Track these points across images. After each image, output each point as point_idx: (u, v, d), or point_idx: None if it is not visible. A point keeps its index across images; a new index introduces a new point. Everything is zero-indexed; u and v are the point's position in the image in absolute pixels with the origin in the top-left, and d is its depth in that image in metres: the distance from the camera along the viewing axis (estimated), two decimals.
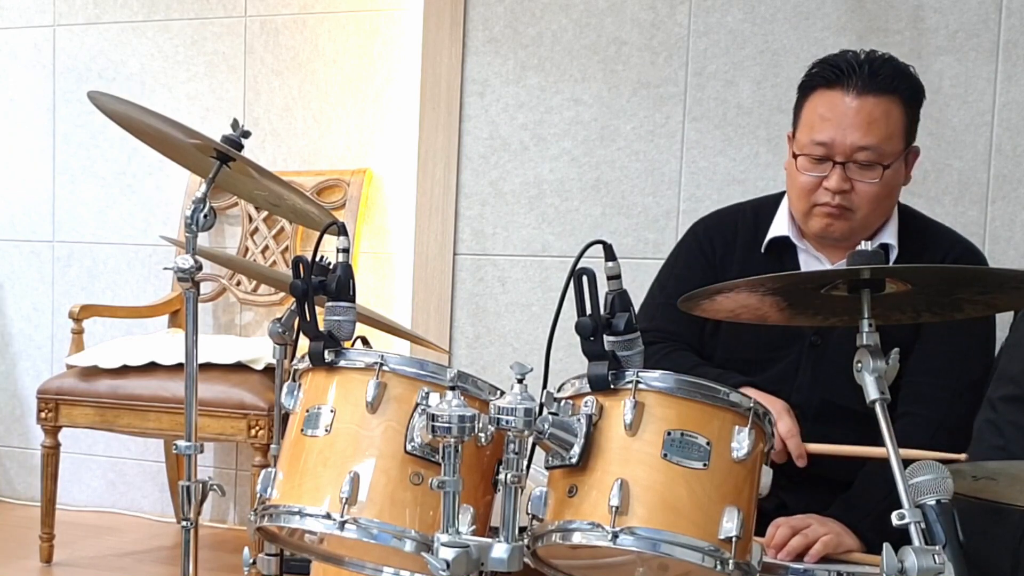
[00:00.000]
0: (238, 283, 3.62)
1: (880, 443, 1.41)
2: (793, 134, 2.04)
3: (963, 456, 1.76)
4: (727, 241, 2.15)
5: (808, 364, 2.03)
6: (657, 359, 2.06)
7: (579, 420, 1.45)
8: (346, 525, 1.48)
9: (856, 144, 1.92)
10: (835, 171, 1.93)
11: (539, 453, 1.51)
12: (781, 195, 2.16)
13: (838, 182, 1.93)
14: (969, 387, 1.99)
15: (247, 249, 3.64)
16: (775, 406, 1.88)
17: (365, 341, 1.75)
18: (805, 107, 2.00)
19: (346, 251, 1.67)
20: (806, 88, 2.02)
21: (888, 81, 1.94)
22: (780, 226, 2.09)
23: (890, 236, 2.03)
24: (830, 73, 1.96)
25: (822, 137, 1.94)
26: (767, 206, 2.16)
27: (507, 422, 1.35)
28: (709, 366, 2.06)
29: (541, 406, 1.41)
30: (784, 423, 1.87)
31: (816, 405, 1.97)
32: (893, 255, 2.02)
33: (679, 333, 2.12)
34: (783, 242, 2.09)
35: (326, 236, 1.72)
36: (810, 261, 2.06)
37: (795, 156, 1.98)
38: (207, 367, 3.05)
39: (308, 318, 1.63)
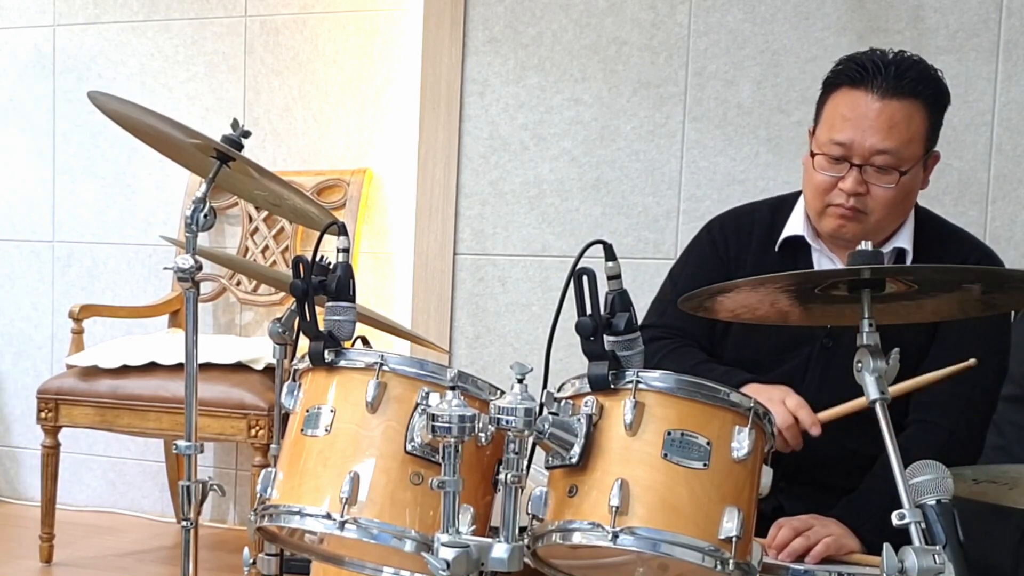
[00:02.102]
0: (238, 283, 3.62)
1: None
2: (813, 130, 2.01)
3: (971, 361, 1.75)
4: (742, 240, 2.13)
5: (817, 366, 2.02)
6: (662, 355, 2.05)
7: (579, 420, 1.45)
8: (346, 525, 1.48)
9: (875, 147, 1.89)
10: (851, 173, 1.91)
11: (539, 453, 1.51)
12: (799, 194, 2.15)
13: (854, 184, 1.91)
14: (982, 396, 1.96)
15: (247, 249, 3.64)
16: (779, 389, 1.88)
17: (365, 341, 1.75)
18: (828, 104, 1.97)
19: (346, 251, 1.67)
20: (830, 85, 1.99)
21: (913, 85, 1.92)
22: (795, 225, 2.07)
23: (905, 240, 2.01)
24: (855, 72, 1.93)
25: (841, 137, 1.91)
26: (785, 205, 2.14)
27: (507, 422, 1.35)
28: (715, 363, 2.05)
29: (541, 406, 1.41)
30: (791, 399, 1.85)
31: (824, 408, 1.97)
32: (908, 260, 2.00)
33: (688, 330, 2.11)
34: (798, 241, 2.07)
35: (326, 236, 1.72)
36: (823, 262, 2.05)
37: (813, 154, 1.96)
38: (207, 367, 3.05)
39: (308, 318, 1.62)
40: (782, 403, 1.84)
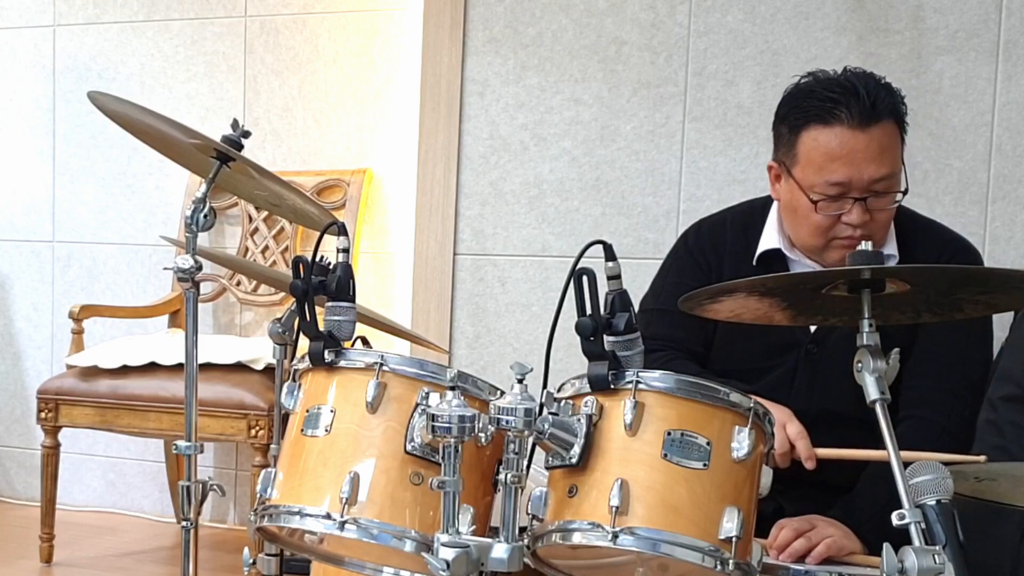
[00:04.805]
0: (238, 283, 3.62)
1: (880, 446, 1.41)
2: (787, 169, 1.97)
3: (982, 458, 1.74)
4: (717, 250, 2.14)
5: (804, 371, 2.03)
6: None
7: (579, 420, 1.45)
8: (346, 525, 1.48)
9: (873, 177, 1.88)
10: (856, 207, 1.89)
11: (539, 453, 1.51)
12: (766, 203, 2.14)
13: (860, 217, 1.90)
14: (970, 388, 1.98)
15: (247, 249, 3.64)
16: (781, 412, 1.87)
17: (365, 341, 1.75)
18: (800, 144, 1.93)
19: (346, 251, 1.67)
20: (795, 124, 1.94)
21: (885, 105, 1.90)
22: (770, 239, 2.07)
23: (891, 247, 2.01)
24: (823, 108, 1.90)
25: (837, 177, 1.89)
26: (755, 214, 2.13)
27: (507, 422, 1.35)
28: (708, 375, 2.05)
29: (541, 406, 1.41)
30: (793, 426, 1.85)
31: (813, 412, 1.97)
32: (892, 263, 2.01)
33: (677, 338, 2.11)
34: (774, 254, 2.07)
35: (326, 236, 1.72)
36: (802, 270, 2.05)
37: (812, 201, 1.92)
38: (207, 367, 3.05)
39: (308, 318, 1.62)
40: (782, 427, 1.83)
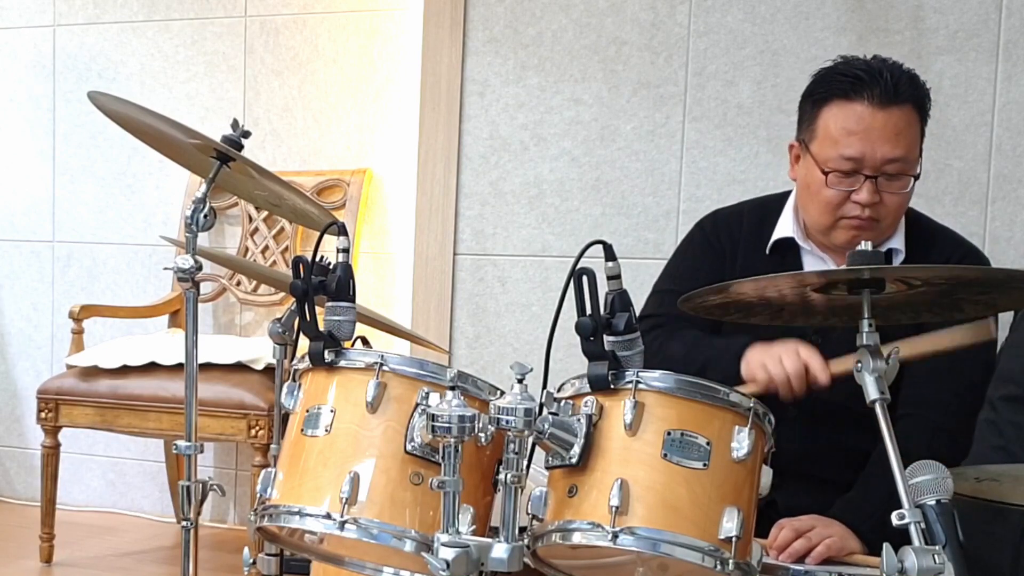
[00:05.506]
0: (238, 283, 3.62)
1: (880, 442, 1.41)
2: (805, 146, 2.00)
3: (989, 320, 1.73)
4: (734, 238, 2.15)
5: None
6: (662, 340, 2.05)
7: (579, 420, 1.45)
8: (346, 525, 1.48)
9: (886, 156, 1.91)
10: (866, 185, 1.92)
11: (539, 453, 1.51)
12: (785, 195, 2.15)
13: (869, 195, 1.92)
14: (969, 388, 1.98)
15: (247, 249, 3.64)
16: (790, 340, 1.88)
17: (365, 341, 1.75)
18: (821, 119, 1.97)
19: (346, 251, 1.67)
20: (819, 99, 1.98)
21: (907, 90, 1.93)
22: (785, 228, 2.09)
23: (897, 241, 2.03)
24: (847, 84, 1.93)
25: (851, 152, 1.91)
26: (771, 206, 2.15)
27: (507, 422, 1.35)
28: (714, 337, 2.05)
29: (541, 406, 1.41)
30: (804, 348, 1.85)
31: (814, 403, 1.97)
32: (899, 259, 2.02)
33: (688, 317, 2.11)
34: (787, 243, 2.08)
35: (326, 236, 1.72)
36: (815, 262, 2.06)
37: (824, 172, 1.95)
38: (207, 367, 3.05)
39: (308, 318, 1.62)
40: (796, 352, 1.84)
